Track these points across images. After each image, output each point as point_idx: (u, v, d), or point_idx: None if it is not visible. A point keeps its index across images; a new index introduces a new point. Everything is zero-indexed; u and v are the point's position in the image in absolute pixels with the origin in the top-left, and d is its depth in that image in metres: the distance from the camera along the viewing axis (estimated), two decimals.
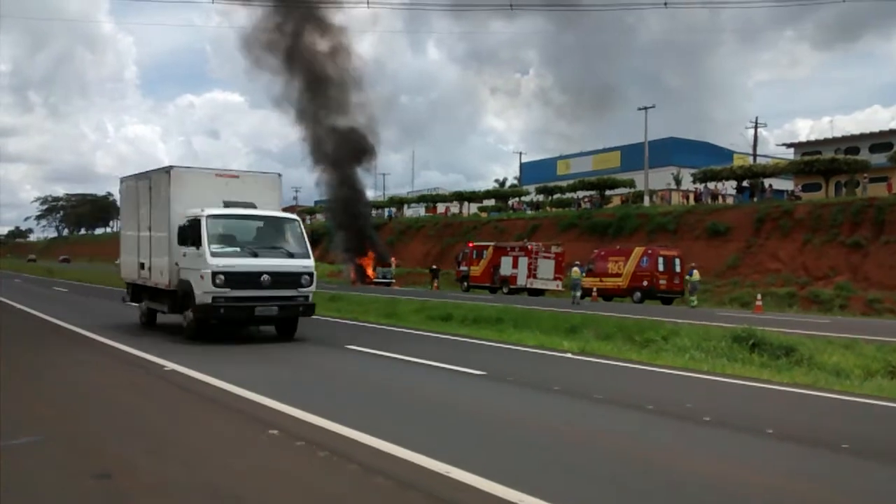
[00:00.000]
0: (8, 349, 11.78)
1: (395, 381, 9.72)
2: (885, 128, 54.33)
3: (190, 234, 13.14)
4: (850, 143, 52.85)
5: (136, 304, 17.08)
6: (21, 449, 5.61)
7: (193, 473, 5.12)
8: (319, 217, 77.70)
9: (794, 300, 33.62)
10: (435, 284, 46.14)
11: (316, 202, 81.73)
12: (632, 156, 64.46)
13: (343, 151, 53.51)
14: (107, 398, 7.99)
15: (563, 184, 62.38)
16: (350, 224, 52.99)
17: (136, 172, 16.69)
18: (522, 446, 6.10)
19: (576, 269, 32.99)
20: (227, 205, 13.77)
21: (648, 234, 44.30)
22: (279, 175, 16.08)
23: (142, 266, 15.71)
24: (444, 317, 18.90)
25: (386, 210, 75.80)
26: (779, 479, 5.26)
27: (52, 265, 72.66)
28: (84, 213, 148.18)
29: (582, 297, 31.94)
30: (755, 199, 45.88)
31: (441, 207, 71.90)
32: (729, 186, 50.81)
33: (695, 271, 32.92)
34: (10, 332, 14.73)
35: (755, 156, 61.47)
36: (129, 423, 6.72)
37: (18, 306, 21.36)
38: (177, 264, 13.72)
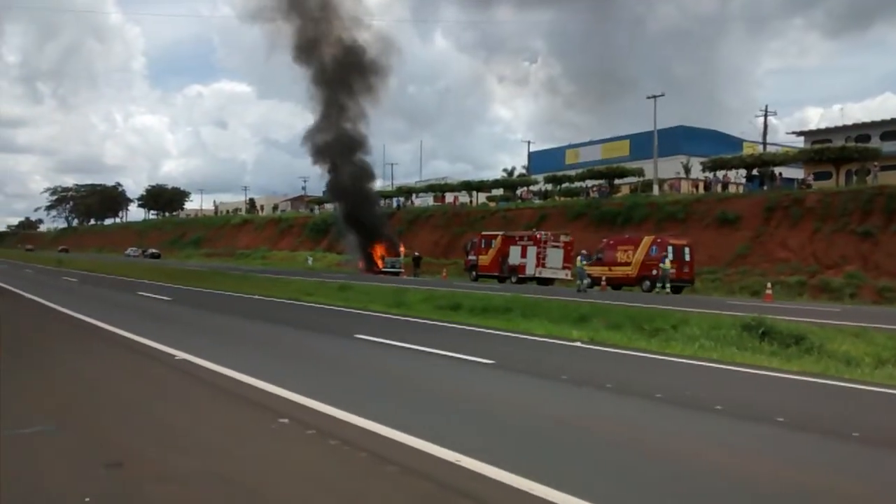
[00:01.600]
0: (17, 339, 11.85)
1: (404, 369, 9.73)
2: None
3: None
4: (861, 131, 52.53)
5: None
6: (32, 438, 5.64)
7: (204, 462, 5.14)
8: (328, 207, 77.83)
9: (804, 289, 33.56)
10: (416, 272, 46.88)
11: (324, 192, 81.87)
12: (641, 145, 64.24)
13: (351, 141, 53.60)
14: (117, 388, 8.03)
15: (572, 173, 62.30)
16: (358, 214, 53.02)
17: None
18: (532, 435, 6.09)
19: (579, 258, 33.11)
20: None
21: (657, 223, 44.20)
22: None
23: None
24: (452, 306, 18.89)
25: (394, 200, 75.83)
26: (790, 469, 5.25)
27: (59, 256, 72.85)
28: (93, 204, 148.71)
29: (590, 285, 31.94)
30: (765, 188, 45.68)
31: (449, 197, 71.87)
32: (739, 175, 50.59)
33: (667, 260, 33.01)
34: (18, 322, 14.82)
35: (765, 144, 61.18)
36: (140, 412, 6.74)
37: (28, 296, 21.47)
38: None
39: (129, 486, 4.58)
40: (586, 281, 31.62)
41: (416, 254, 50.67)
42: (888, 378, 9.70)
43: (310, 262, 58.76)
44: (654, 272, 33.91)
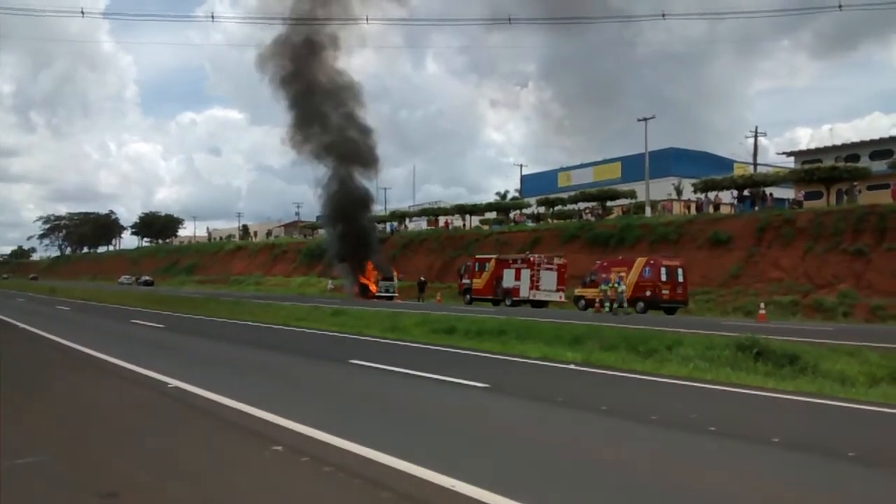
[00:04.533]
0: (10, 368, 11.78)
1: (398, 395, 9.70)
2: (886, 135, 54.38)
3: None
4: (851, 151, 52.95)
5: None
6: (26, 468, 5.60)
7: (199, 491, 5.11)
8: (321, 232, 77.83)
9: (798, 308, 33.62)
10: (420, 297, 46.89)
11: (317, 217, 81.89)
12: (632, 166, 64.61)
13: (345, 164, 53.63)
14: (111, 416, 7.98)
15: (565, 195, 62.51)
16: (352, 239, 52.95)
17: None
18: (527, 459, 6.07)
19: (613, 279, 33.36)
20: None
21: (650, 245, 44.31)
22: None
23: None
24: (447, 330, 18.88)
25: (388, 224, 75.87)
26: (787, 490, 5.24)
27: (52, 284, 72.58)
28: (86, 232, 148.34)
29: (619, 305, 32.16)
30: (756, 208, 45.90)
31: (443, 221, 71.97)
32: (730, 196, 50.85)
33: (621, 282, 33.55)
34: (12, 352, 14.74)
35: (755, 165, 61.49)
36: (134, 441, 6.70)
37: (20, 325, 21.37)
38: None
39: None
40: (625, 304, 31.85)
41: (422, 279, 50.59)
42: (883, 397, 9.72)
43: (330, 286, 58.66)
44: (648, 293, 34.20)
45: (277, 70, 53.90)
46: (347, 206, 52.99)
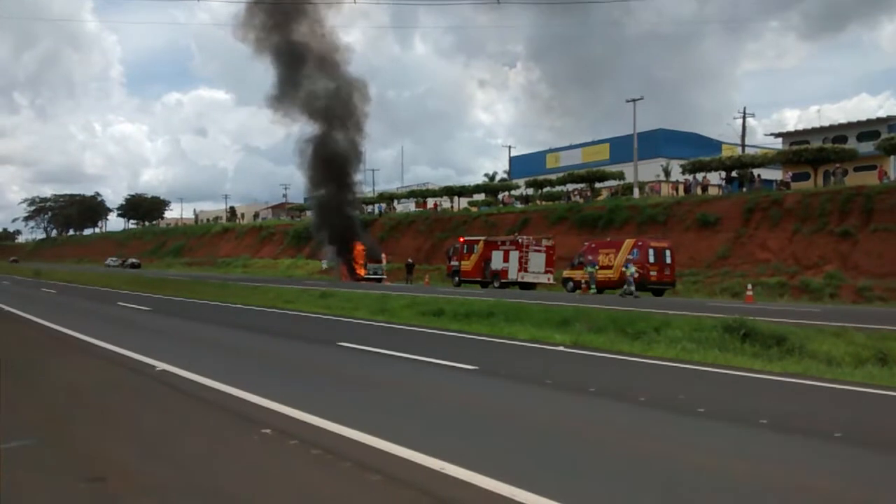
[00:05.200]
0: None
1: (387, 377, 9.70)
2: (873, 116, 54.54)
3: None
4: (838, 132, 53.02)
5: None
6: (12, 453, 5.56)
7: (187, 475, 5.09)
8: (309, 214, 77.60)
9: (785, 289, 33.79)
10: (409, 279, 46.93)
11: (305, 199, 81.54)
12: (621, 148, 64.62)
13: (330, 147, 53.37)
14: (98, 400, 7.95)
15: (553, 177, 62.45)
16: (339, 220, 52.80)
17: None
18: (516, 441, 6.08)
19: (628, 264, 33.22)
20: None
21: (639, 226, 44.37)
22: None
23: None
24: (435, 312, 18.87)
25: (376, 206, 75.72)
26: (774, 470, 5.27)
27: (37, 267, 72.04)
28: (72, 214, 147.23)
29: (629, 290, 31.94)
30: (744, 190, 46.02)
31: (431, 202, 71.83)
32: (718, 177, 50.96)
33: (630, 266, 33.72)
34: None
35: (743, 146, 61.60)
36: (122, 424, 6.68)
37: (6, 308, 21.23)
38: None
39: (112, 501, 4.53)
40: (632, 287, 31.73)
41: (409, 261, 50.56)
42: (868, 377, 9.79)
43: (324, 265, 58.58)
44: (635, 275, 34.23)
45: (259, 31, 53.58)
46: (331, 162, 52.60)
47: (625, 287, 31.87)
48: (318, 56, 53.24)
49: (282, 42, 53.24)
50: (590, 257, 35.60)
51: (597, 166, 61.15)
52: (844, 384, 9.16)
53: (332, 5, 55.56)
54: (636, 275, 32.56)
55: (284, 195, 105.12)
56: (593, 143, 77.36)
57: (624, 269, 32.88)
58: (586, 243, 38.80)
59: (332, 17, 56.22)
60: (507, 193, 66.27)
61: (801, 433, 6.44)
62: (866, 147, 46.61)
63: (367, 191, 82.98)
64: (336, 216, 52.89)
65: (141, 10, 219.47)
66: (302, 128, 54.47)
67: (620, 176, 56.15)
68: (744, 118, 62.46)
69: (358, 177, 59.53)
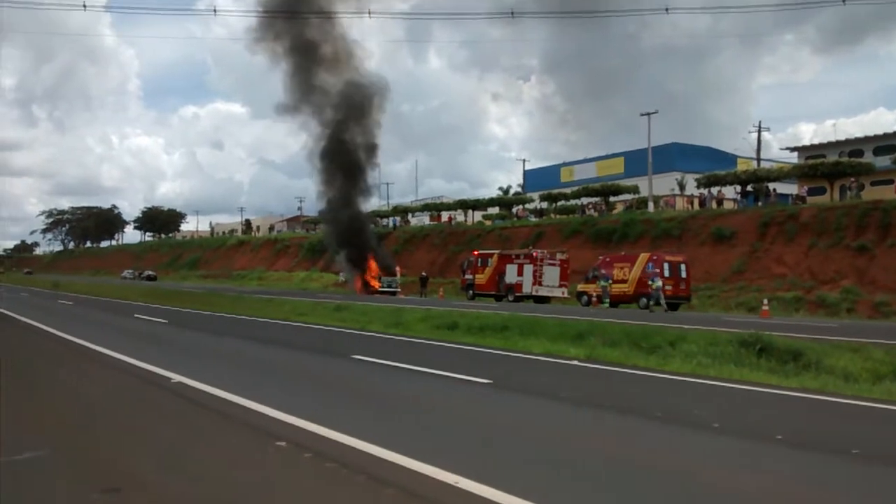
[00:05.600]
0: (13, 362, 11.79)
1: (401, 390, 9.70)
2: (890, 130, 54.04)
3: None
4: (855, 146, 52.67)
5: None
6: (27, 463, 5.60)
7: (202, 487, 5.11)
8: (323, 227, 77.78)
9: (801, 304, 33.54)
10: (423, 292, 46.82)
11: (319, 212, 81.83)
12: (635, 161, 64.45)
13: (345, 158, 53.55)
14: (113, 411, 7.98)
15: (567, 191, 62.36)
16: (353, 234, 52.87)
17: None
18: (530, 455, 6.06)
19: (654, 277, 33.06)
20: None
21: (653, 240, 44.22)
22: None
23: None
24: (449, 325, 18.85)
25: (390, 219, 75.83)
26: (790, 487, 5.23)
27: (55, 279, 72.54)
28: (89, 227, 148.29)
29: (656, 303, 31.77)
30: (759, 204, 45.78)
31: (445, 216, 71.83)
32: (733, 191, 50.73)
33: (657, 279, 33.39)
34: (15, 346, 14.75)
35: (759, 160, 61.33)
36: (137, 436, 6.70)
37: (24, 320, 21.39)
38: None
39: None
40: (662, 301, 31.59)
41: (424, 274, 50.48)
42: (886, 394, 9.69)
43: (341, 278, 58.69)
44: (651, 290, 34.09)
45: (276, 41, 54.01)
46: (343, 158, 52.76)
47: (660, 301, 31.68)
48: (331, 58, 53.62)
49: (296, 45, 53.62)
50: (603, 271, 35.53)
51: (611, 180, 61.07)
52: (862, 400, 9.07)
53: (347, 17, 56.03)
54: (665, 288, 32.49)
55: (299, 208, 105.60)
56: (608, 156, 77.24)
57: (650, 282, 32.72)
58: (601, 257, 38.73)
59: (347, 30, 56.25)
60: (521, 207, 66.22)
61: (817, 450, 6.38)
62: (883, 161, 46.25)
63: (381, 204, 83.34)
64: (350, 229, 52.97)
65: (157, 25, 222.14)
66: (314, 133, 54.23)
67: (635, 190, 56.04)
68: (759, 132, 62.26)
69: (371, 188, 59.67)
